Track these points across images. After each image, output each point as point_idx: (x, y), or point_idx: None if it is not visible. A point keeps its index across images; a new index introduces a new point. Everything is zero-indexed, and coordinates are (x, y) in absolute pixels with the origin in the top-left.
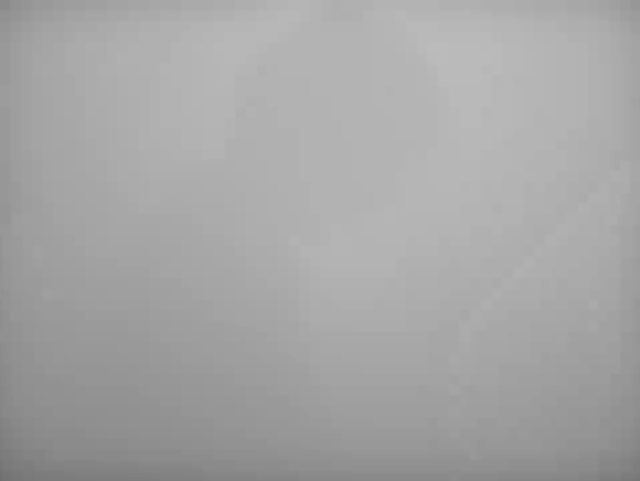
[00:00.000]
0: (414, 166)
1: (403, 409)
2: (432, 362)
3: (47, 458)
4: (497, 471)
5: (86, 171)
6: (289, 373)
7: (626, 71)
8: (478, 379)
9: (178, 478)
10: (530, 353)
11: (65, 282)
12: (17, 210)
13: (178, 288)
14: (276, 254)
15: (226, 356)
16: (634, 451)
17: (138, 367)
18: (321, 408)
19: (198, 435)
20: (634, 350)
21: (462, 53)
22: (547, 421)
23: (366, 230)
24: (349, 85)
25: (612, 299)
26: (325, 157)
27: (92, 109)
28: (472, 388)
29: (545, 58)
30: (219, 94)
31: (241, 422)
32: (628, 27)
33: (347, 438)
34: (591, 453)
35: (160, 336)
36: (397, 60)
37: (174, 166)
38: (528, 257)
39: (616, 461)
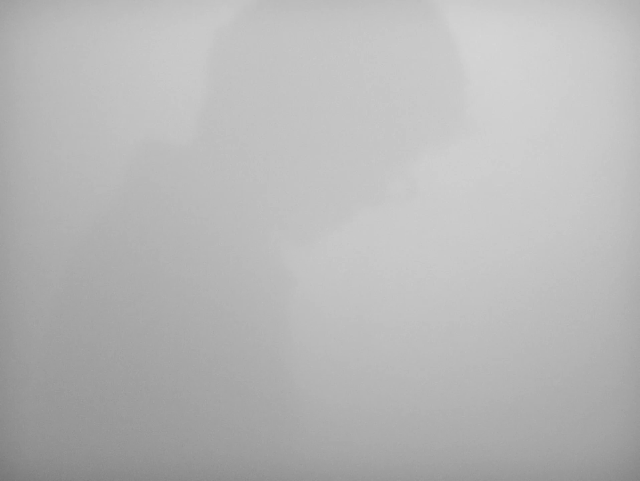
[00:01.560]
0: (411, 164)
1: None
2: (422, 372)
3: (42, 459)
4: None
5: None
6: (274, 380)
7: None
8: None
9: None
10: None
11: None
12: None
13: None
14: (259, 256)
15: (205, 365)
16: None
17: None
18: (302, 413)
19: (192, 437)
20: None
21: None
22: None
23: (359, 233)
24: (337, 76)
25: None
26: (314, 152)
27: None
28: None
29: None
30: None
31: (228, 429)
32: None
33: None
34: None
35: (127, 346)
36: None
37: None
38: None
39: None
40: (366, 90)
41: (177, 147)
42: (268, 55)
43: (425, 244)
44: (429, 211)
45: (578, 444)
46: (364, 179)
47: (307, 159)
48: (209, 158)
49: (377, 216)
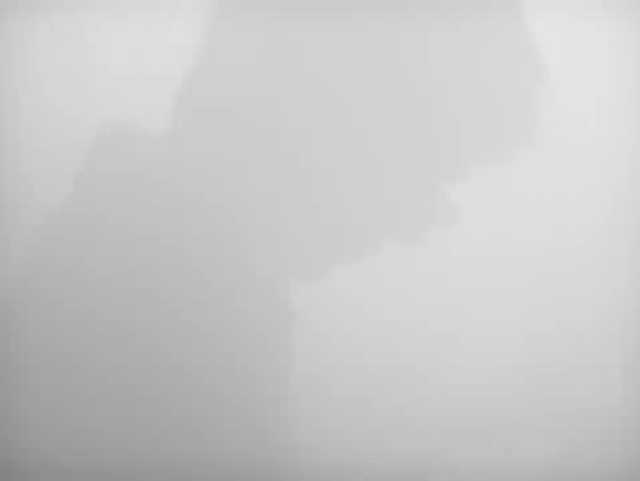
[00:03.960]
0: (452, 183)
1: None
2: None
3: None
4: None
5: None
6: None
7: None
8: None
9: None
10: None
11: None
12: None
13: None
14: (257, 289)
15: (201, 395)
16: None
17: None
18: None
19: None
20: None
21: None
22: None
23: (382, 267)
24: (359, 69)
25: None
26: (329, 165)
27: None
28: None
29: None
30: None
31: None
32: None
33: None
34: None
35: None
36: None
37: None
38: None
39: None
40: (397, 89)
41: (159, 146)
42: (278, 48)
43: (466, 284)
44: (472, 242)
45: (579, 447)
46: (390, 199)
47: (320, 174)
48: (198, 170)
49: (406, 248)
